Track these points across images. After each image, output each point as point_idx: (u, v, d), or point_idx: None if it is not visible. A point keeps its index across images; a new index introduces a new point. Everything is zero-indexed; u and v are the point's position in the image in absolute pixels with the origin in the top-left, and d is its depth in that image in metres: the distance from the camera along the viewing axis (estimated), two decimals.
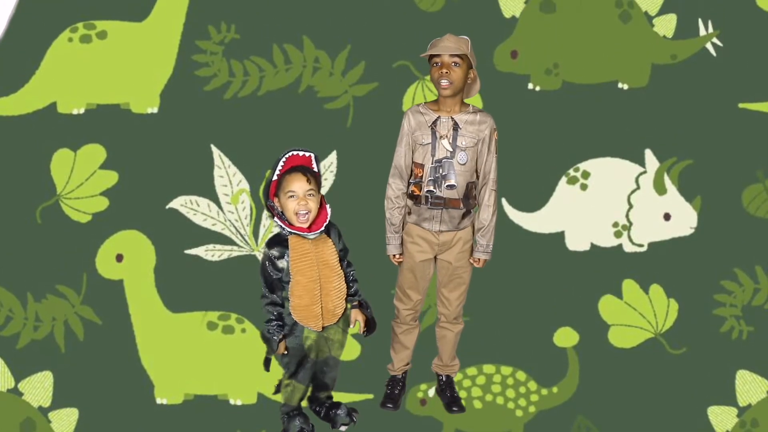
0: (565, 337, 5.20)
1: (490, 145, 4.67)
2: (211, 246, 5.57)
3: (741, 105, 5.89)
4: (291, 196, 4.27)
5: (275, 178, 4.33)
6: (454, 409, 5.00)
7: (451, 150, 4.62)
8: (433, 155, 4.64)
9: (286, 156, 4.36)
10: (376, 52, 5.87)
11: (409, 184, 4.75)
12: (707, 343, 5.26)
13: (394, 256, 4.86)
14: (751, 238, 5.68)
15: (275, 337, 4.39)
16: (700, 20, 5.94)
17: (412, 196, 4.75)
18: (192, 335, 5.06)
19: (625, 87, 5.95)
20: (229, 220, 5.61)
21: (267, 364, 4.50)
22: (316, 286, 4.37)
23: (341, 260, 4.49)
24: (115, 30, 5.82)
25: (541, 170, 5.87)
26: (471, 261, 4.82)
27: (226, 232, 5.60)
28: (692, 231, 5.74)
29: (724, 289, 5.49)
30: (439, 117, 4.65)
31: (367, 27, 5.90)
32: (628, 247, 5.74)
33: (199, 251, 5.55)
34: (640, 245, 5.74)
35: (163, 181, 5.70)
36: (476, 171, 4.70)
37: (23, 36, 5.82)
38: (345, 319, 4.56)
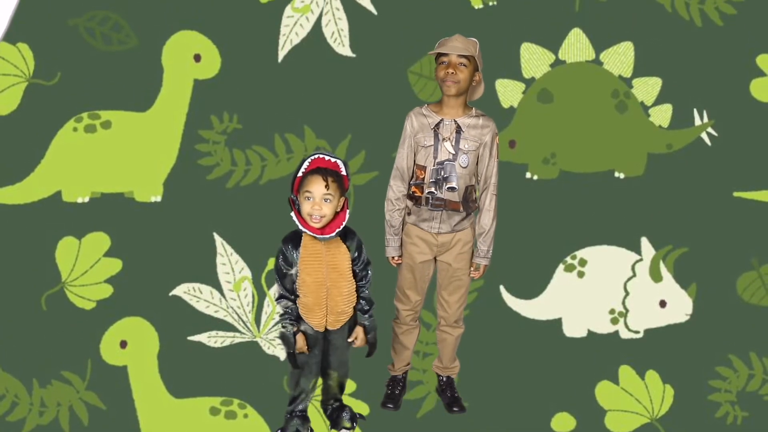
0: (563, 423, 5.31)
1: (492, 149, 4.88)
2: (213, 332, 5.78)
3: (736, 194, 6.23)
4: (307, 198, 4.53)
5: (299, 175, 4.57)
6: (455, 409, 5.26)
7: (454, 153, 4.81)
8: (435, 157, 4.84)
9: (313, 157, 4.58)
10: (376, 142, 6.18)
11: (409, 185, 4.96)
12: (703, 428, 5.34)
13: (392, 258, 5.09)
14: (745, 325, 5.91)
15: (288, 331, 4.66)
16: (695, 110, 6.31)
17: (412, 197, 4.96)
18: (195, 421, 5.23)
19: (622, 176, 6.30)
20: (232, 307, 5.87)
21: (292, 360, 4.77)
22: (322, 288, 4.64)
23: (355, 267, 4.71)
24: (119, 120, 6.18)
25: (538, 258, 6.13)
26: (471, 273, 5.05)
27: (229, 319, 5.83)
28: (688, 318, 5.96)
29: (719, 375, 5.62)
30: (442, 120, 4.84)
31: (367, 117, 6.26)
32: (625, 334, 5.95)
33: (202, 338, 5.75)
34: (637, 332, 5.95)
35: (167, 269, 5.98)
36: (475, 174, 4.91)
37: (29, 125, 6.15)
38: (348, 329, 4.84)
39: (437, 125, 4.86)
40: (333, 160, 4.61)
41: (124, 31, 6.32)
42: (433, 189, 4.87)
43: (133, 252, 6.05)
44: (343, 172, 4.62)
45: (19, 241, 6.05)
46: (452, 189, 4.85)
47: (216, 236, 6.08)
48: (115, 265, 6.01)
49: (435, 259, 5.10)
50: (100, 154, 6.19)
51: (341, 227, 4.60)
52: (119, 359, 5.56)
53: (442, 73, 4.78)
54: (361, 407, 5.32)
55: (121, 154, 6.20)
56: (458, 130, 4.84)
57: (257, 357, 5.73)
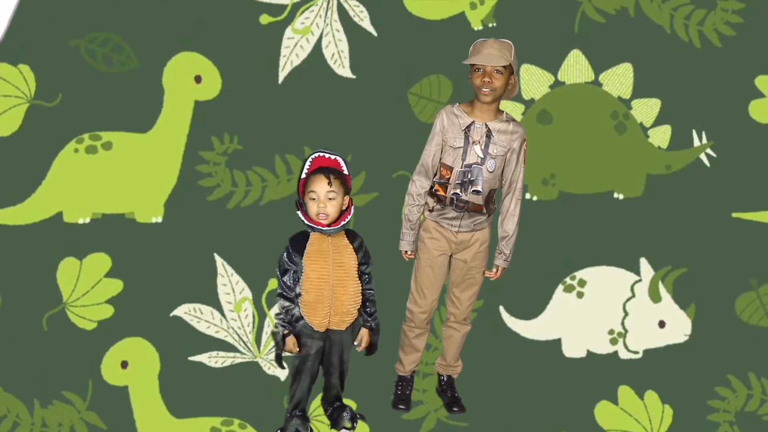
0: None
1: (520, 155, 4.96)
2: (214, 353, 5.83)
3: (734, 214, 6.30)
4: (312, 198, 4.70)
5: (303, 176, 4.74)
6: (455, 409, 5.34)
7: (482, 157, 4.88)
8: (463, 159, 4.90)
9: (313, 157, 4.76)
10: (376, 163, 6.27)
11: (433, 183, 5.04)
12: None
13: (405, 252, 5.15)
14: (744, 345, 5.97)
15: (280, 333, 4.75)
16: (694, 131, 6.37)
17: (434, 195, 5.03)
18: None
19: (621, 197, 6.36)
20: (232, 328, 5.92)
21: (278, 360, 4.84)
22: (326, 285, 4.74)
23: (361, 268, 4.83)
24: (120, 141, 6.23)
25: (538, 278, 6.19)
26: (487, 273, 5.13)
27: (229, 340, 5.88)
28: (686, 338, 6.03)
29: (718, 395, 5.68)
30: (473, 122, 4.89)
31: (367, 138, 6.32)
32: (624, 354, 6.01)
33: (203, 358, 5.79)
34: (636, 352, 6.01)
35: (167, 290, 6.03)
36: (499, 178, 4.98)
37: (30, 146, 6.20)
38: (353, 330, 4.91)
39: (468, 127, 4.91)
40: (333, 157, 4.77)
41: (125, 53, 6.38)
42: (458, 190, 4.94)
43: (133, 273, 6.09)
44: (344, 170, 4.77)
45: (20, 261, 6.09)
46: (477, 192, 4.92)
47: (217, 257, 6.14)
48: (116, 286, 6.06)
49: (450, 257, 5.17)
50: (101, 175, 6.24)
51: (347, 220, 4.75)
52: (120, 379, 5.61)
53: (479, 81, 4.82)
54: (361, 427, 5.38)
55: (122, 175, 6.25)
56: (488, 134, 4.90)
57: (258, 377, 5.78)
